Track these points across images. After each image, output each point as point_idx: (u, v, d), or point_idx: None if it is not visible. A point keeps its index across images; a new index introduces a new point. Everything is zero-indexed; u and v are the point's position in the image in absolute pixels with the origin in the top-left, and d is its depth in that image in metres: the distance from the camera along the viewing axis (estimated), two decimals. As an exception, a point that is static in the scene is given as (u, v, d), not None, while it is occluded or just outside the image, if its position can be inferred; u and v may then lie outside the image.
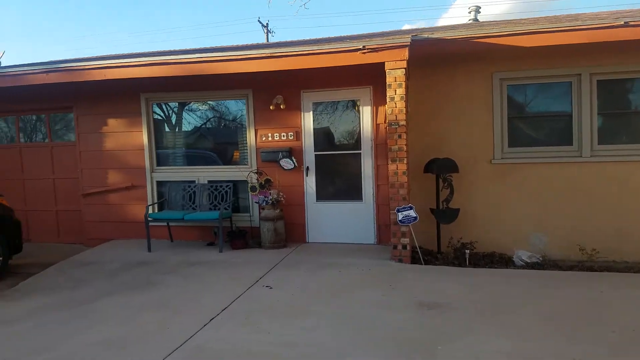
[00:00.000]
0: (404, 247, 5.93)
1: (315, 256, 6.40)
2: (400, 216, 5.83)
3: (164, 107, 8.14)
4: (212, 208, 7.37)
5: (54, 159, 8.48)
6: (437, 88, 6.78)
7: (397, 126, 5.88)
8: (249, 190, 7.19)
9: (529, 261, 6.05)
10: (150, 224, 7.16)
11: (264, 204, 6.95)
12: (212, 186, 7.51)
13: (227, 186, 7.43)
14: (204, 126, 8.08)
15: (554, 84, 6.55)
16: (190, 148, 8.03)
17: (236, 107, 7.77)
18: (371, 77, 6.73)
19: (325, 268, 5.74)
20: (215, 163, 7.85)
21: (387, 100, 5.92)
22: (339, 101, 7.25)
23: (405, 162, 5.89)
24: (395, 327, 3.88)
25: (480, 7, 10.12)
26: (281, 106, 7.19)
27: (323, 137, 7.32)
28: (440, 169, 6.40)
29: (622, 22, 5.52)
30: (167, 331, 3.94)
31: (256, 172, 7.35)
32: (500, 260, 6.22)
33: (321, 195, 7.33)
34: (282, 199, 7.02)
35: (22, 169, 8.63)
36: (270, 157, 7.32)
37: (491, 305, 4.34)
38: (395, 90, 5.86)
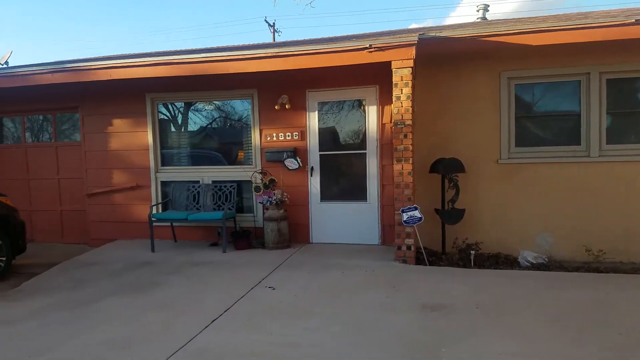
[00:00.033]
0: (409, 248, 5.87)
1: (319, 257, 6.36)
2: (405, 217, 5.77)
3: (169, 107, 8.13)
4: (216, 208, 7.35)
5: (59, 159, 8.51)
6: (444, 87, 6.71)
7: (402, 126, 5.82)
8: (253, 191, 7.16)
9: (534, 262, 5.97)
10: (154, 224, 7.16)
11: (268, 204, 6.92)
12: (216, 186, 7.49)
13: (231, 186, 7.41)
14: (208, 126, 8.07)
15: (562, 83, 6.47)
16: (194, 148, 8.02)
17: (241, 107, 7.75)
18: (377, 76, 6.68)
19: (328, 269, 5.70)
20: (220, 163, 7.83)
21: (393, 99, 5.87)
22: (344, 101, 7.21)
23: (410, 162, 5.83)
24: (399, 329, 3.83)
25: (488, 6, 10.01)
26: (286, 106, 7.16)
27: (328, 137, 7.28)
28: (446, 169, 6.34)
29: (634, 20, 5.44)
30: (170, 332, 3.92)
31: (260, 172, 7.32)
32: (505, 261, 6.15)
33: (325, 196, 7.29)
34: (286, 199, 6.99)
35: (28, 169, 8.67)
36: (274, 157, 7.29)
37: (496, 307, 4.28)
38: (402, 90, 5.80)
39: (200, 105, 8.02)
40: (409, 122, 5.80)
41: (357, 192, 7.17)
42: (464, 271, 5.60)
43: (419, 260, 5.93)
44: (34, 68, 7.19)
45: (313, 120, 7.25)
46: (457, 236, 6.46)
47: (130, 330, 4.00)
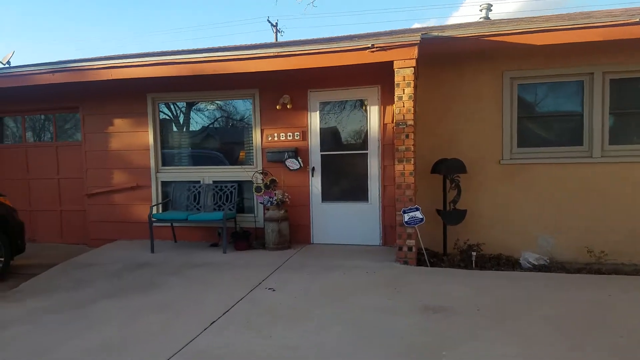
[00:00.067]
0: (410, 249, 5.83)
1: (320, 258, 6.32)
2: (406, 217, 5.73)
3: (170, 107, 8.10)
4: (216, 209, 7.31)
5: (59, 159, 8.49)
6: (446, 87, 6.67)
7: (404, 126, 5.78)
8: (254, 191, 7.12)
9: (536, 263, 5.93)
10: (154, 224, 7.13)
11: (269, 204, 6.88)
12: (217, 186, 7.45)
13: (232, 186, 7.37)
14: (209, 126, 8.04)
15: (565, 83, 6.42)
16: (195, 148, 7.99)
17: (242, 106, 7.72)
18: (379, 76, 6.65)
19: (329, 270, 5.66)
20: (221, 163, 7.80)
21: (395, 99, 5.83)
22: (346, 101, 7.17)
23: (412, 162, 5.79)
24: (400, 331, 3.79)
25: (491, 5, 9.96)
26: (288, 106, 7.13)
27: (329, 137, 7.24)
28: (448, 170, 6.29)
29: (638, 19, 5.40)
30: (168, 333, 3.88)
31: (261, 173, 7.29)
32: (507, 263, 6.10)
33: (327, 196, 7.25)
34: (287, 199, 6.95)
35: (28, 168, 8.65)
36: (276, 157, 7.25)
37: (497, 309, 4.25)
38: (404, 90, 5.76)
39: (201, 105, 7.99)
40: (411, 122, 5.76)
41: (358, 193, 7.13)
42: (465, 272, 5.56)
43: (420, 262, 5.89)
44: (35, 68, 7.17)
45: (314, 120, 7.21)
46: (458, 237, 6.42)
47: (129, 332, 3.96)
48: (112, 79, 6.82)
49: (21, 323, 4.28)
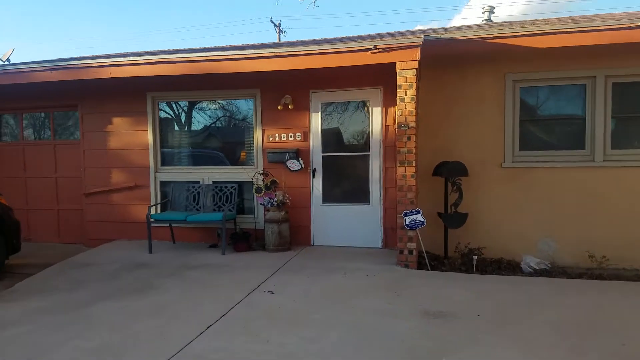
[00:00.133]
0: (411, 252, 5.78)
1: (320, 260, 6.26)
2: (407, 220, 5.68)
3: (170, 106, 8.04)
4: (216, 209, 7.26)
5: (57, 158, 8.42)
6: (449, 89, 6.63)
7: (406, 128, 5.74)
8: (254, 192, 7.06)
9: (537, 268, 5.88)
10: (153, 224, 7.06)
11: (269, 205, 6.82)
12: (216, 187, 7.39)
13: (231, 187, 7.31)
14: (209, 126, 7.98)
15: (567, 86, 6.38)
16: (195, 148, 7.93)
17: (243, 106, 7.67)
18: (381, 77, 6.61)
19: (329, 273, 5.60)
20: (221, 163, 7.74)
21: (397, 101, 5.79)
22: (348, 102, 7.12)
23: (414, 164, 5.74)
24: (400, 335, 3.74)
25: (494, 8, 9.94)
26: (289, 106, 7.08)
27: (331, 139, 7.19)
28: (450, 173, 6.25)
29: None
30: (164, 337, 3.81)
31: (262, 173, 7.23)
32: (508, 267, 6.06)
33: (328, 198, 7.19)
34: (287, 200, 6.89)
35: (25, 167, 8.58)
36: (276, 158, 7.20)
37: (498, 314, 4.20)
38: (406, 92, 5.72)
39: (201, 105, 7.93)
40: (413, 124, 5.72)
41: (359, 195, 7.08)
42: (466, 276, 5.51)
43: (421, 265, 5.84)
44: (33, 65, 7.10)
45: (316, 121, 7.16)
46: (459, 240, 6.38)
47: (123, 336, 3.88)
48: (112, 78, 6.76)
49: (16, 324, 4.20)
